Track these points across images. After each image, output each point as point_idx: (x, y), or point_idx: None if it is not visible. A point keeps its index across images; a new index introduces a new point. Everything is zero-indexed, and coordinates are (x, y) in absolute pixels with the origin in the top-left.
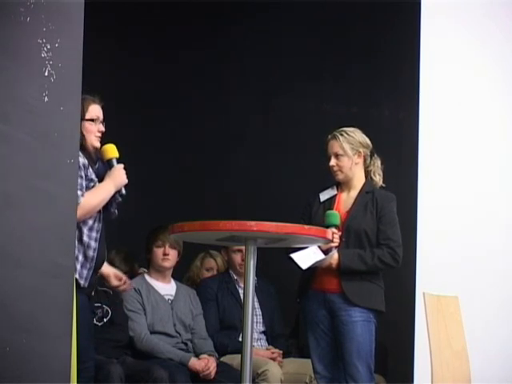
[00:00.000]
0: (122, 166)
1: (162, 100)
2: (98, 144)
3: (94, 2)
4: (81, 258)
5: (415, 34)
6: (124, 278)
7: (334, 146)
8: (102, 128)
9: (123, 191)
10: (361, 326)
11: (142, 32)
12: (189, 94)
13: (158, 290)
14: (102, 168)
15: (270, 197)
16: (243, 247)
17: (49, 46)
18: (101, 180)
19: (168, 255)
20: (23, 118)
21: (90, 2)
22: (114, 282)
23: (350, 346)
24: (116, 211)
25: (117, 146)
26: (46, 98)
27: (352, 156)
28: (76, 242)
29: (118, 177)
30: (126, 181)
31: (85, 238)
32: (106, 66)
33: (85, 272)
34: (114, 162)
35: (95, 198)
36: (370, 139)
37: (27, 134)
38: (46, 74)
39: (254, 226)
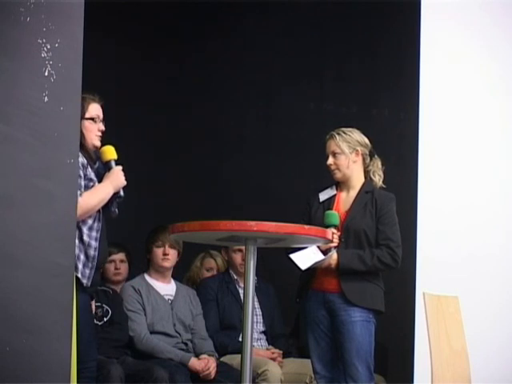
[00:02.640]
0: (120, 167)
1: (162, 100)
2: (98, 143)
3: (94, 1)
4: (82, 257)
5: (415, 33)
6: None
7: (332, 145)
8: (102, 127)
9: (121, 193)
10: (360, 325)
11: (143, 32)
12: (189, 93)
13: (157, 290)
14: (102, 168)
15: (270, 197)
16: (243, 247)
17: (49, 46)
18: (100, 180)
19: (168, 255)
20: (23, 118)
21: (91, 2)
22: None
23: (350, 345)
24: (116, 210)
25: (117, 146)
26: (45, 98)
27: (349, 154)
28: (77, 241)
29: (117, 179)
30: (124, 183)
31: (85, 238)
32: (105, 65)
33: (87, 271)
34: (113, 163)
35: (93, 198)
36: (370, 139)
37: (27, 134)
38: (46, 74)
39: (254, 225)
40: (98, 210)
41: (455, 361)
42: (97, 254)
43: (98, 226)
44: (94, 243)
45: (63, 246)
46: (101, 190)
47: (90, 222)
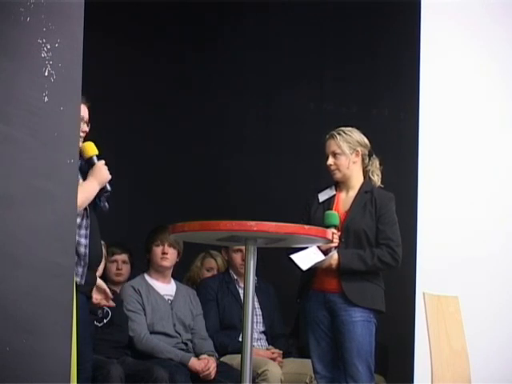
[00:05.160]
0: (103, 162)
1: (162, 100)
2: (80, 144)
3: (94, 1)
4: None
5: (415, 33)
6: (107, 292)
7: (332, 145)
8: (86, 128)
9: (108, 187)
10: (361, 325)
11: (142, 32)
12: (189, 93)
13: (157, 290)
14: (85, 166)
15: (270, 197)
16: (243, 247)
17: (49, 46)
18: (83, 177)
19: (167, 254)
20: (23, 119)
21: (91, 2)
22: (94, 295)
23: (350, 345)
24: (107, 204)
25: (118, 146)
26: (45, 98)
27: (349, 155)
28: None
29: (101, 174)
30: (109, 177)
31: None
32: (105, 65)
33: (80, 269)
34: (95, 159)
35: (80, 196)
36: (370, 139)
37: (27, 134)
38: (46, 74)
39: (254, 225)
40: (85, 208)
41: (455, 361)
42: (87, 251)
43: (86, 224)
44: (83, 241)
45: (63, 246)
46: (86, 187)
47: (77, 219)
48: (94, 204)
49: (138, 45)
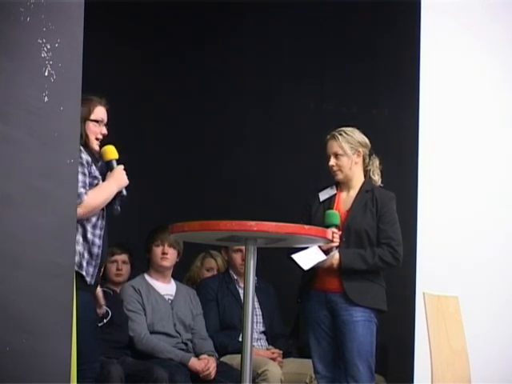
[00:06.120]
0: (122, 166)
1: (162, 100)
2: (97, 147)
3: (94, 1)
4: (86, 255)
5: (415, 33)
6: (100, 298)
7: (334, 146)
8: (105, 131)
9: (124, 192)
10: (362, 325)
11: (142, 32)
12: (189, 93)
13: (158, 290)
14: (105, 167)
15: (270, 197)
16: (243, 247)
17: (49, 46)
18: (103, 179)
19: (167, 254)
20: (23, 118)
21: (91, 2)
22: (101, 301)
23: (351, 345)
24: (119, 208)
25: (117, 146)
26: (45, 98)
27: (351, 155)
28: (81, 239)
29: (120, 178)
30: (127, 182)
31: (89, 236)
32: (105, 65)
33: (91, 269)
34: (114, 163)
35: (99, 197)
36: (370, 139)
37: (27, 134)
38: (46, 74)
39: (254, 225)
40: (102, 208)
41: (455, 361)
42: (100, 252)
43: (101, 224)
44: (97, 241)
45: (63, 246)
46: (106, 188)
47: (93, 219)
48: (108, 206)
49: (138, 45)
